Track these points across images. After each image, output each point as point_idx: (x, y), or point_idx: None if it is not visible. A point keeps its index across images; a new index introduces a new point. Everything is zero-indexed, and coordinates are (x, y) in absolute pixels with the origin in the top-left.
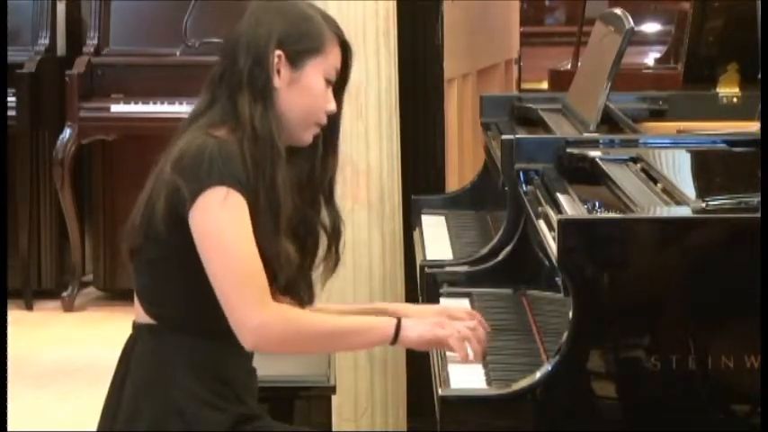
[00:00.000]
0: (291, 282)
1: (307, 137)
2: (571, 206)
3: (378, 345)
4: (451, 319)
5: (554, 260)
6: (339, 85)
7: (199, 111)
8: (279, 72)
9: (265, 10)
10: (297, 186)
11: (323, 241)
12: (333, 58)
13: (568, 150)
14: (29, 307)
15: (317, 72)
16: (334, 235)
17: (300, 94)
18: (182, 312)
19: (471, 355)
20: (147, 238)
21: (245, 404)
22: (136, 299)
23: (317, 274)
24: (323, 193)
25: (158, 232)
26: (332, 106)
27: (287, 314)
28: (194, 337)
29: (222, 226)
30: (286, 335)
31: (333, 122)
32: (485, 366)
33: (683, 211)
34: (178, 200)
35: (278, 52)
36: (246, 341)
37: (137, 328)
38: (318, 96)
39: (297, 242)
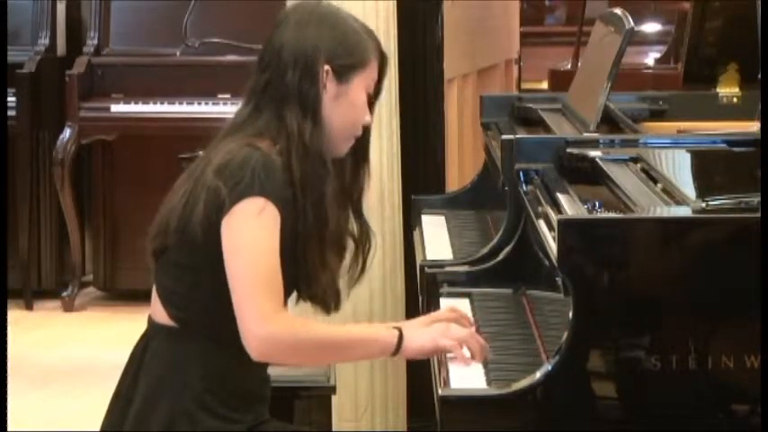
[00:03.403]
0: (321, 290)
1: (343, 149)
2: (571, 206)
3: (380, 356)
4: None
5: (554, 260)
6: (373, 95)
7: (241, 119)
8: (325, 86)
9: (309, 20)
10: None
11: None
12: (373, 71)
13: (568, 150)
14: (29, 307)
15: (360, 86)
16: (363, 244)
17: (345, 107)
18: (205, 319)
19: (471, 357)
20: (182, 242)
21: (255, 412)
22: (155, 298)
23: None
24: (352, 202)
25: (195, 238)
26: (368, 118)
27: (294, 327)
28: (213, 345)
29: (252, 235)
30: (293, 347)
31: (365, 133)
32: (485, 366)
33: (683, 211)
34: (216, 205)
35: (326, 67)
36: (253, 350)
37: (154, 326)
38: (360, 109)
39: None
